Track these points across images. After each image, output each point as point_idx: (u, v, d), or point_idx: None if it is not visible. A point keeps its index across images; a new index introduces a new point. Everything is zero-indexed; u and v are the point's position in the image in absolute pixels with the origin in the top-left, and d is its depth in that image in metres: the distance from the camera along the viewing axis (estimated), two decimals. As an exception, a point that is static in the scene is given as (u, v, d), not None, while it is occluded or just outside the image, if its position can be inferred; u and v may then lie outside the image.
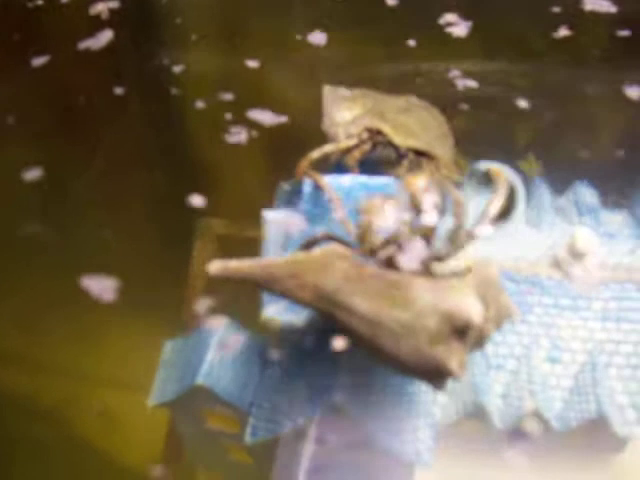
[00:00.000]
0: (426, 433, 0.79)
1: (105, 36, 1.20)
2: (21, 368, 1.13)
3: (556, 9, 1.14)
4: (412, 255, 0.63)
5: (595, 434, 0.82)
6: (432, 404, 0.81)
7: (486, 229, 0.67)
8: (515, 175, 0.83)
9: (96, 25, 1.21)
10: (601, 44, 1.18)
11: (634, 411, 0.79)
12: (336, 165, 0.80)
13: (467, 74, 1.10)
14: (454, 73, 1.04)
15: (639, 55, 1.13)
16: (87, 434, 1.08)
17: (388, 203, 0.65)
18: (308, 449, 0.82)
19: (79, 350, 1.11)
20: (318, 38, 1.12)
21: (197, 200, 0.91)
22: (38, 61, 1.19)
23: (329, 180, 0.77)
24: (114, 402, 1.07)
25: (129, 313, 1.10)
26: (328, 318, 0.66)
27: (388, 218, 0.64)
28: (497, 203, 0.70)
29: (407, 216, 0.64)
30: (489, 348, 0.81)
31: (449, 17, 1.08)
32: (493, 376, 0.81)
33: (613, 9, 1.08)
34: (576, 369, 0.81)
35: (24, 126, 1.13)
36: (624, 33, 1.08)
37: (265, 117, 1.07)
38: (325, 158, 0.79)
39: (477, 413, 0.80)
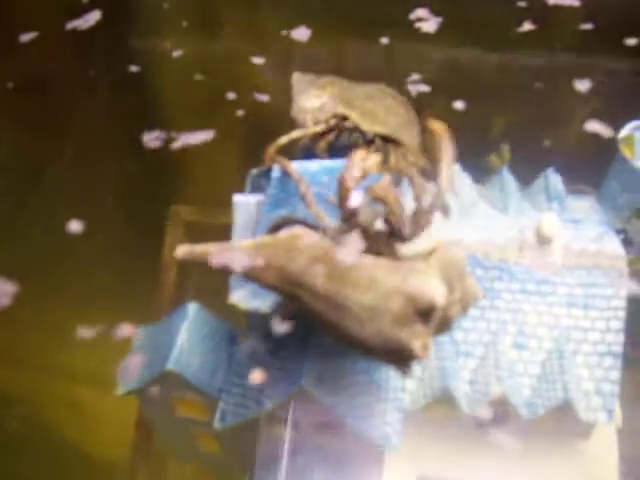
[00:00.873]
0: (395, 417, 0.79)
1: (93, 17, 1.19)
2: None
3: (521, 3, 1.15)
4: (375, 238, 0.64)
5: (562, 421, 0.82)
6: (400, 389, 0.80)
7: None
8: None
9: (84, 6, 1.20)
10: (565, 37, 1.20)
11: (599, 397, 0.80)
12: (305, 151, 0.81)
13: (437, 67, 1.12)
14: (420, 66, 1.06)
15: (605, 47, 1.15)
16: (58, 424, 1.07)
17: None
18: (281, 434, 0.82)
19: (50, 340, 1.10)
20: (301, 33, 1.12)
21: (75, 226, 0.90)
22: (26, 37, 1.18)
23: (296, 165, 0.77)
24: (85, 392, 1.06)
25: (100, 301, 1.09)
26: (293, 301, 0.66)
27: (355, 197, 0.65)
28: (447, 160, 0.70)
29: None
30: (458, 334, 0.80)
31: (420, 12, 1.09)
32: (461, 362, 0.80)
33: (576, 3, 1.09)
34: (543, 356, 0.80)
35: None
36: (587, 26, 1.10)
37: (240, 104, 1.08)
38: (293, 144, 0.80)
39: (445, 398, 0.79)
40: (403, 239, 0.64)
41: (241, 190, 0.86)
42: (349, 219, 0.64)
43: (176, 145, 0.97)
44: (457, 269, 0.65)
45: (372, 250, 0.64)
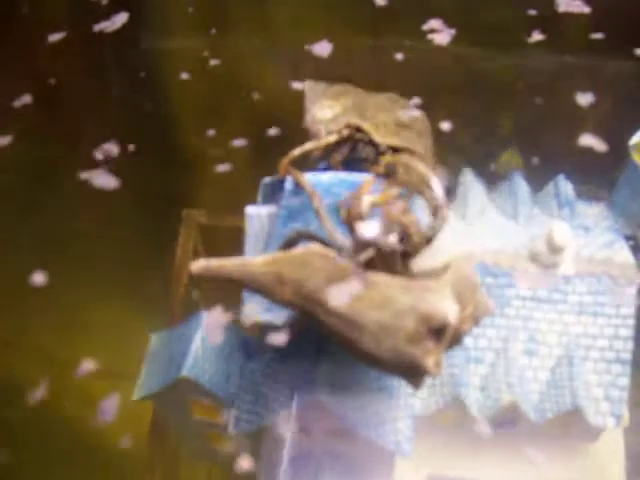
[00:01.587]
0: (406, 424, 0.78)
1: (120, 19, 1.19)
2: (6, 354, 1.14)
3: (532, 12, 1.14)
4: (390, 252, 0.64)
5: (571, 425, 0.81)
6: (412, 396, 0.80)
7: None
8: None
9: (111, 8, 1.20)
10: (574, 45, 1.19)
11: (607, 403, 0.79)
12: (320, 164, 0.80)
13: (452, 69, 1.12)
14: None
15: (614, 55, 1.15)
16: (73, 423, 1.08)
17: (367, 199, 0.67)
18: (291, 438, 0.83)
19: (65, 338, 1.11)
20: (322, 47, 1.12)
21: (39, 278, 0.91)
22: (54, 37, 1.18)
23: (309, 177, 0.77)
24: (99, 391, 1.07)
25: (115, 303, 1.10)
26: (307, 316, 0.66)
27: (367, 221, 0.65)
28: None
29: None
30: (469, 341, 0.79)
31: (434, 23, 1.08)
32: (472, 369, 0.80)
33: (586, 10, 1.08)
34: (553, 362, 0.79)
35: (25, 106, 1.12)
36: (597, 35, 1.09)
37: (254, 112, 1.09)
38: (307, 155, 0.79)
39: (456, 405, 0.79)
40: (416, 254, 0.65)
41: (254, 195, 0.86)
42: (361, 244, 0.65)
43: (97, 182, 0.97)
44: (469, 285, 0.64)
45: (387, 269, 0.64)
